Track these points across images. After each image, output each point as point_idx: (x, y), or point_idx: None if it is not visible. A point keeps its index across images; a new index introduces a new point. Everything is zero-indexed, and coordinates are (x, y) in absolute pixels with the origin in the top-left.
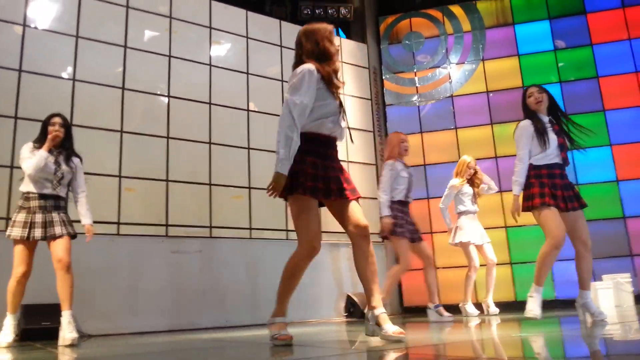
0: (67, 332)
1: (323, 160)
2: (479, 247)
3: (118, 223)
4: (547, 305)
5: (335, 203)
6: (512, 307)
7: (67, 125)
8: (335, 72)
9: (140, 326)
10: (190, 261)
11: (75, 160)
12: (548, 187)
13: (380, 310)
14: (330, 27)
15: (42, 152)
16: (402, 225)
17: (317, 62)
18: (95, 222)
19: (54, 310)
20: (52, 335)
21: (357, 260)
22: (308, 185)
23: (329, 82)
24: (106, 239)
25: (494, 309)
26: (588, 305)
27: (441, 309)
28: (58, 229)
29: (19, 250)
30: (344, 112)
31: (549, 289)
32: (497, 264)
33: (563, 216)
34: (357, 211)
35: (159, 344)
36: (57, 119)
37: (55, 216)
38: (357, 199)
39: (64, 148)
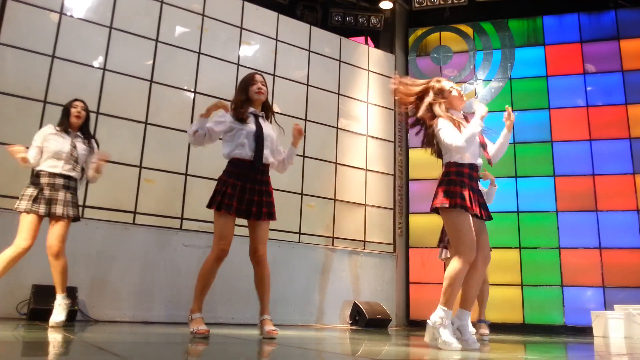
0: (54, 314)
1: (245, 182)
2: None
3: (135, 212)
4: (554, 330)
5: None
6: (520, 329)
7: (87, 110)
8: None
9: (146, 316)
10: (201, 256)
11: (93, 142)
12: (468, 189)
13: (266, 317)
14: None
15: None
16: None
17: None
18: (112, 209)
19: None
20: None
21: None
22: (225, 203)
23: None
24: (122, 226)
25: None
26: (463, 329)
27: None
28: (60, 209)
29: (26, 222)
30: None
31: (558, 314)
32: (507, 285)
33: (473, 222)
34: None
35: (163, 335)
36: (79, 103)
37: (61, 195)
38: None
39: (82, 131)
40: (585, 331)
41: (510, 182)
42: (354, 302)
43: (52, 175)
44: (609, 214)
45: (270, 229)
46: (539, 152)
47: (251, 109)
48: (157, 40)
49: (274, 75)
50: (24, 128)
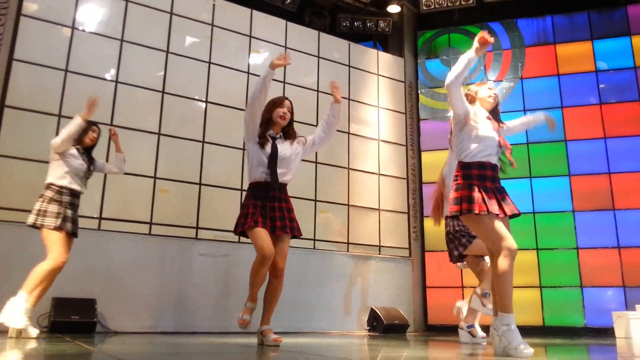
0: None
1: (264, 201)
2: None
3: (150, 223)
4: (575, 332)
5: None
6: (540, 332)
7: (98, 138)
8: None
9: (164, 326)
10: (217, 265)
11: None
12: (479, 190)
13: (267, 327)
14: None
15: (78, 120)
16: (469, 234)
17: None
18: (128, 220)
19: (83, 305)
20: (81, 328)
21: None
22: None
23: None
24: (138, 237)
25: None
26: (511, 335)
27: (474, 329)
28: (76, 228)
29: (59, 238)
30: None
31: (579, 315)
32: (525, 287)
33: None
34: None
35: (181, 345)
36: (97, 128)
37: (76, 215)
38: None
39: (89, 152)
40: (606, 332)
41: (525, 182)
42: (371, 308)
43: (74, 194)
44: (626, 212)
45: None
46: (553, 152)
47: (270, 132)
48: (167, 51)
49: (284, 82)
50: (39, 143)
